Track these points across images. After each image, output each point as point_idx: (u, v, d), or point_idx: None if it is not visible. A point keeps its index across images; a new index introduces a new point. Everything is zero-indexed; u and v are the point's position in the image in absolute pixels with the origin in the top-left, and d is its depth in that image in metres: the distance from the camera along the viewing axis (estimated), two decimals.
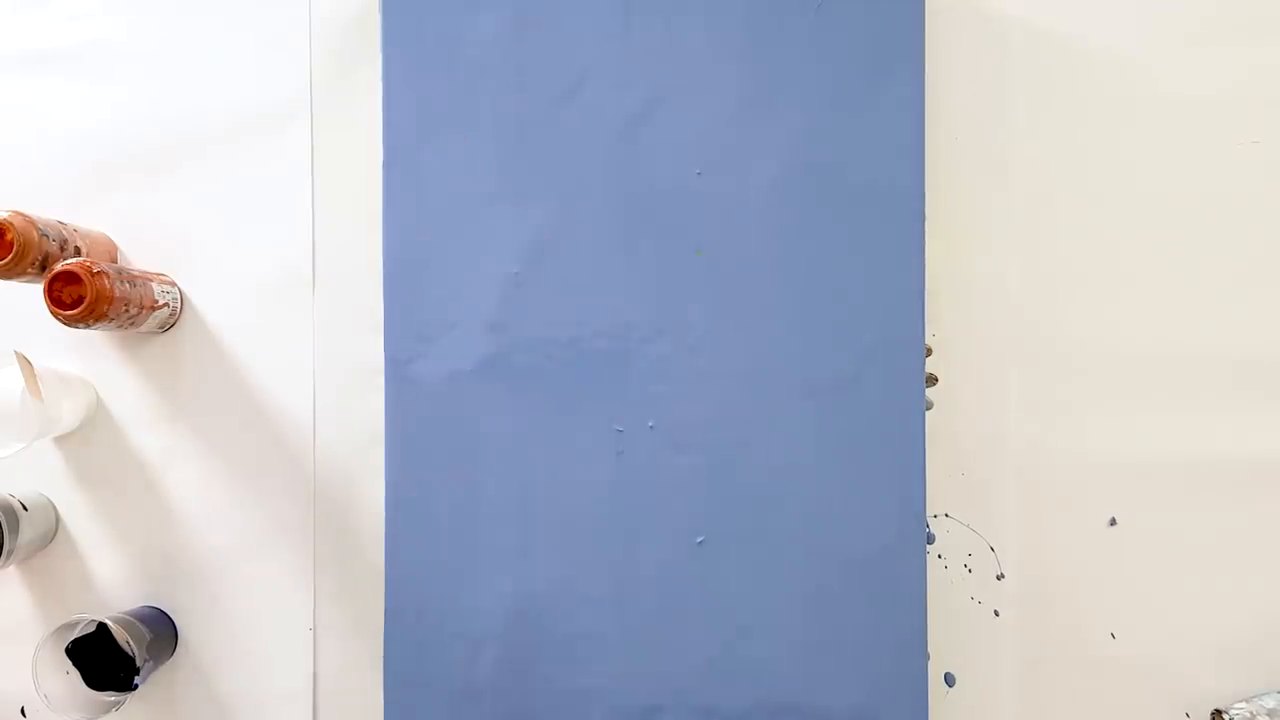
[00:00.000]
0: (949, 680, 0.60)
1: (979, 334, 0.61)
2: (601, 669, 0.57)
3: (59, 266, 0.54)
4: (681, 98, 0.59)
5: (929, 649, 0.58)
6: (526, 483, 0.57)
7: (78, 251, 0.59)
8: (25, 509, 0.59)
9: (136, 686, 0.56)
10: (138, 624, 0.58)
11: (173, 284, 0.62)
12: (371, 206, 0.60)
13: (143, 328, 0.60)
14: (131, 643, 0.56)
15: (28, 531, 0.59)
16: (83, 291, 0.54)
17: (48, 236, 0.56)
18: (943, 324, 0.61)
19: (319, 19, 0.63)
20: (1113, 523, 0.60)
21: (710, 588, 0.58)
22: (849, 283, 0.58)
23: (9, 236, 0.54)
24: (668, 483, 0.58)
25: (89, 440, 0.62)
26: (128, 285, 0.57)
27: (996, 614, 0.61)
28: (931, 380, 0.61)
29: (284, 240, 0.63)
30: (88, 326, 0.55)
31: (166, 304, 0.61)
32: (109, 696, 0.58)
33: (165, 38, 0.64)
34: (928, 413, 0.59)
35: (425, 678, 0.58)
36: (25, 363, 0.55)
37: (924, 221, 0.58)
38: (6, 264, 0.54)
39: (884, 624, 0.57)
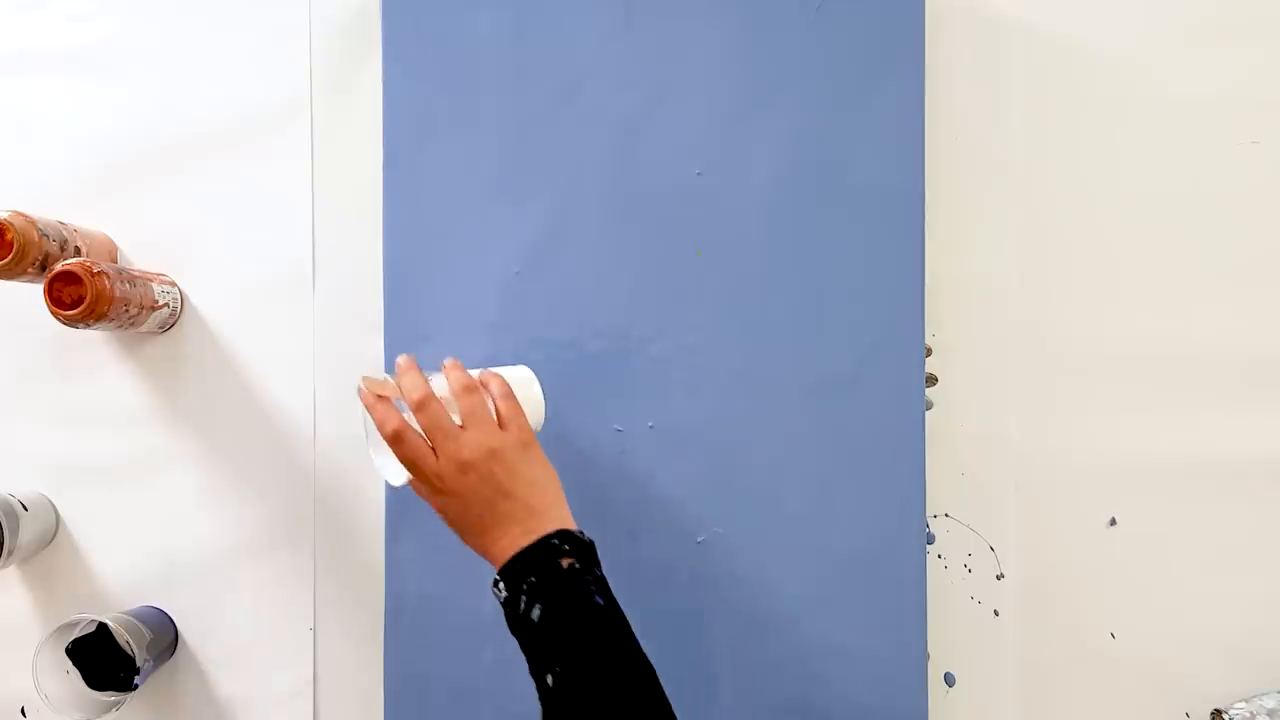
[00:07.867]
0: (949, 680, 0.60)
1: (979, 334, 0.61)
2: None
3: (59, 266, 0.54)
4: (681, 98, 0.59)
5: (929, 649, 0.58)
6: None
7: (78, 251, 0.59)
8: (25, 509, 0.59)
9: (136, 686, 0.56)
10: (138, 624, 0.58)
11: (173, 284, 0.62)
12: (371, 206, 0.60)
13: (143, 328, 0.60)
14: (131, 643, 0.56)
15: (28, 531, 0.59)
16: (83, 291, 0.54)
17: (48, 236, 0.56)
18: (943, 324, 0.61)
19: (319, 19, 0.63)
20: (1113, 523, 0.60)
21: (710, 588, 0.58)
22: (849, 283, 0.58)
23: (9, 236, 0.54)
24: (668, 483, 0.58)
25: (89, 440, 0.62)
26: (128, 285, 0.57)
27: (996, 614, 0.60)
28: (931, 380, 0.61)
29: (284, 240, 0.63)
30: (88, 326, 0.55)
31: (166, 304, 0.61)
32: (109, 696, 0.58)
33: (165, 38, 0.63)
34: (928, 413, 0.59)
35: (425, 678, 0.58)
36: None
37: (924, 221, 0.58)
38: (6, 264, 0.54)
39: (884, 624, 0.57)
